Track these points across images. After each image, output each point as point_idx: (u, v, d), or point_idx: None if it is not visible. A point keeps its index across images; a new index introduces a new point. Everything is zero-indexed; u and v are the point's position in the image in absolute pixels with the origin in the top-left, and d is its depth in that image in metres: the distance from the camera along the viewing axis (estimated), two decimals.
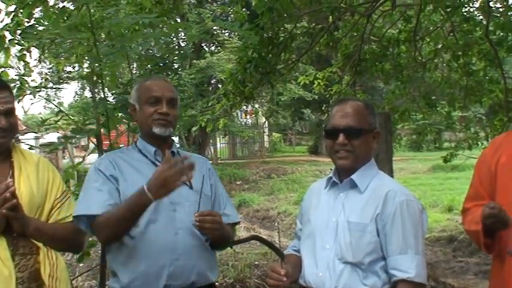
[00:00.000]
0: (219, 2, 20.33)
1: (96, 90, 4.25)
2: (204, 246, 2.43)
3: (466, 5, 7.04)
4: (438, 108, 8.70)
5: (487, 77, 7.51)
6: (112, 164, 2.41)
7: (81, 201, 2.38)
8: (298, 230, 2.47)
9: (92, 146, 3.95)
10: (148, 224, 2.30)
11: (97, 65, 3.67)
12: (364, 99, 2.92)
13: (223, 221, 2.50)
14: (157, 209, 2.30)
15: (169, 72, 5.50)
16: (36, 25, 3.72)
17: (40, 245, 2.25)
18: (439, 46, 7.57)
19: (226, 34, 17.57)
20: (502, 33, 6.73)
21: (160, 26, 4.43)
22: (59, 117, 3.98)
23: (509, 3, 6.76)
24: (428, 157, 23.39)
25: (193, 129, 18.06)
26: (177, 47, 17.68)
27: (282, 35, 6.71)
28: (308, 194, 2.47)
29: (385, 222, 2.11)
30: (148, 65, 4.51)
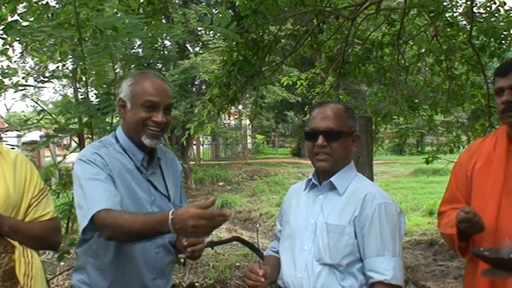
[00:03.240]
0: (203, 3, 20.29)
1: (82, 90, 4.21)
2: (168, 249, 2.41)
3: (449, 10, 7.10)
4: (420, 112, 8.77)
5: (469, 82, 7.59)
6: (105, 163, 2.22)
7: (89, 198, 2.14)
8: (277, 231, 2.48)
9: (74, 145, 3.91)
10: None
11: (82, 63, 3.64)
12: (344, 102, 2.93)
13: None
14: None
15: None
16: (20, 20, 3.68)
17: (16, 243, 2.21)
18: (422, 50, 7.63)
19: (211, 35, 17.54)
20: (485, 39, 6.80)
21: (146, 26, 4.40)
22: (41, 116, 3.94)
23: (493, 9, 6.84)
24: (410, 161, 23.60)
25: (175, 130, 18.02)
26: (161, 47, 17.64)
27: (267, 37, 6.71)
28: (288, 196, 2.47)
29: (363, 224, 2.13)
30: (132, 65, 4.48)
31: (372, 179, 4.57)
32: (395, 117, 9.14)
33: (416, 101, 8.59)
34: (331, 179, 2.23)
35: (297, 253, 2.21)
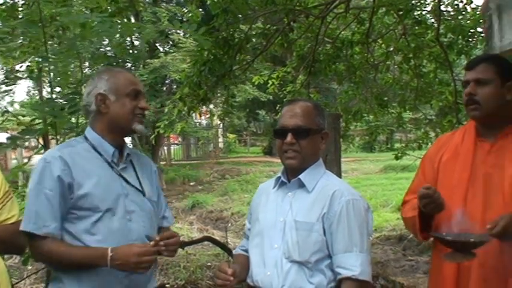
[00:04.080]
0: (173, 2, 20.14)
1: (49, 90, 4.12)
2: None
3: (417, 9, 7.19)
4: (390, 109, 8.86)
5: (437, 79, 7.70)
6: (66, 166, 2.18)
7: (30, 213, 2.17)
8: (247, 229, 2.48)
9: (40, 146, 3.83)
10: (106, 236, 2.17)
11: (45, 63, 3.56)
12: (313, 100, 2.94)
13: (164, 224, 2.47)
14: (113, 219, 2.20)
15: None
16: None
17: None
18: (391, 48, 7.72)
19: (181, 34, 17.42)
20: (452, 37, 6.90)
21: (112, 24, 4.32)
22: (4, 118, 3.84)
23: (460, 7, 6.95)
24: (380, 158, 23.90)
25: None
26: (130, 46, 17.44)
27: (238, 36, 6.69)
28: (257, 194, 2.47)
29: (331, 221, 2.14)
30: (101, 64, 4.40)
31: (340, 176, 4.60)
32: (366, 114, 9.22)
33: (386, 98, 8.69)
34: (300, 176, 2.24)
35: (266, 251, 2.21)
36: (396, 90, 8.54)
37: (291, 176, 2.28)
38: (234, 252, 2.53)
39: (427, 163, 2.49)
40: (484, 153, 2.32)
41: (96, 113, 2.31)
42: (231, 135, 33.25)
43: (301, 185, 2.24)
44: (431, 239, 2.41)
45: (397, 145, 22.01)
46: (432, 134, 8.69)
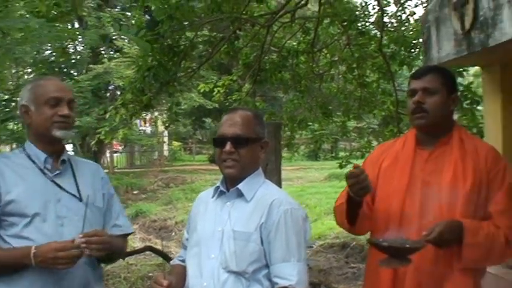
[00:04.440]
0: (118, 7, 19.83)
1: None
2: (90, 262, 2.33)
3: (361, 20, 7.34)
4: (334, 118, 8.99)
5: (380, 89, 7.87)
6: None
7: None
8: (185, 239, 2.44)
9: None
10: (38, 241, 2.17)
11: None
12: (253, 109, 2.93)
13: (114, 232, 2.43)
14: (44, 224, 2.21)
15: (65, 77, 5.26)
16: None
17: None
18: (336, 58, 7.84)
19: (126, 40, 17.15)
20: (395, 47, 7.07)
21: (51, 29, 4.18)
22: None
23: (403, 18, 7.14)
24: (325, 166, 24.18)
25: (88, 137, 17.44)
26: (75, 52, 17.04)
27: (183, 43, 6.63)
28: (196, 203, 2.45)
29: (269, 230, 2.13)
30: (43, 70, 4.25)
31: (280, 184, 4.61)
32: (311, 123, 9.32)
33: (330, 107, 8.81)
34: (239, 185, 2.22)
35: (204, 261, 2.18)
36: (340, 99, 8.68)
37: (230, 185, 2.26)
38: (171, 262, 2.49)
39: (367, 167, 2.51)
40: (423, 161, 2.38)
41: (26, 124, 2.40)
42: (176, 143, 32.93)
43: (240, 195, 2.22)
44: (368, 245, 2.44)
45: (341, 153, 22.42)
46: (375, 143, 8.86)
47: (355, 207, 2.37)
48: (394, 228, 2.25)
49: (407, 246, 2.11)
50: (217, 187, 2.30)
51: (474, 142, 2.41)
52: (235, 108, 2.49)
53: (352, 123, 10.84)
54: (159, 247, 7.89)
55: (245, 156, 2.20)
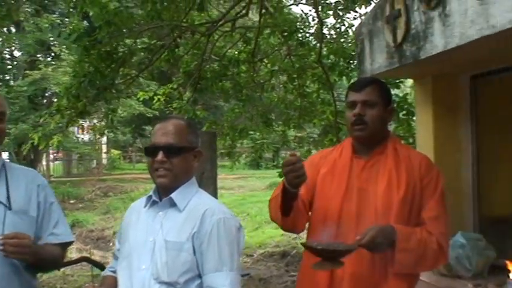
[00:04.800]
0: (57, 13, 19.33)
1: None
2: (19, 272, 2.25)
3: (301, 31, 7.45)
4: (275, 127, 9.06)
5: (320, 99, 8.00)
6: None
7: None
8: (116, 250, 2.40)
9: None
10: None
11: None
12: (186, 118, 2.93)
13: (50, 240, 2.36)
14: None
15: (0, 84, 5.08)
16: None
17: None
18: (276, 68, 7.91)
19: (64, 46, 16.73)
20: (334, 58, 7.21)
21: None
22: None
23: (342, 30, 7.30)
24: (267, 175, 24.32)
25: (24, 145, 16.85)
26: (9, 57, 16.47)
27: (122, 49, 6.53)
28: (128, 213, 2.39)
29: (202, 240, 2.11)
30: None
31: (216, 193, 4.60)
32: (252, 132, 9.36)
33: (271, 116, 8.88)
34: (172, 195, 2.18)
35: (134, 272, 2.13)
36: (281, 108, 8.76)
37: (162, 194, 2.22)
38: (102, 273, 2.42)
39: (307, 167, 2.54)
40: (359, 169, 2.44)
41: None
42: (115, 151, 32.29)
43: (173, 204, 2.19)
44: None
45: (282, 162, 22.61)
46: (315, 152, 8.98)
47: (289, 200, 2.36)
48: (330, 232, 2.29)
49: (340, 249, 2.15)
50: (150, 196, 2.25)
51: (408, 151, 2.49)
52: (168, 116, 2.47)
53: (292, 133, 10.96)
54: (97, 258, 7.71)
55: (178, 165, 2.17)
